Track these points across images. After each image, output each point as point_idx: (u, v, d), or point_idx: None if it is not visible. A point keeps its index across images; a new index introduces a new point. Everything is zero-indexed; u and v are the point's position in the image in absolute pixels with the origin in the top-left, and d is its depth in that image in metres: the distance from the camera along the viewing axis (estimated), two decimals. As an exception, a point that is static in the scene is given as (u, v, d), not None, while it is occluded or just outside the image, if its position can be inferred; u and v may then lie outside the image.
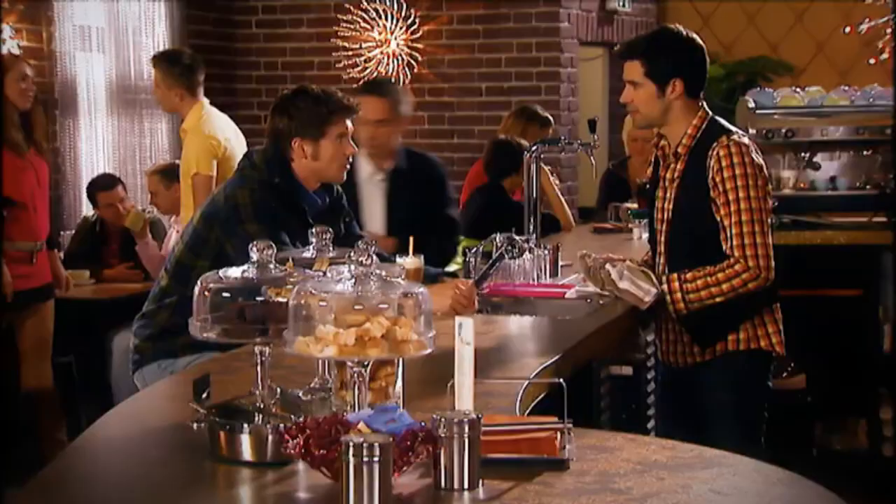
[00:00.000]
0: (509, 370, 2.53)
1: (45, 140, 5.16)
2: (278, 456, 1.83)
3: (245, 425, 1.87)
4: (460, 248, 5.11)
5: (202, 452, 1.89)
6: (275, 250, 2.07)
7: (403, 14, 7.11)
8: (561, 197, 5.32)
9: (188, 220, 4.95)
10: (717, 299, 3.03)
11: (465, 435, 1.70)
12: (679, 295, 3.05)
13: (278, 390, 2.13)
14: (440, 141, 7.22)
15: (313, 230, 2.29)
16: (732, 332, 3.10)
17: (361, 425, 1.72)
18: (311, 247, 2.29)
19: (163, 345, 3.26)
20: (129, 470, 1.84)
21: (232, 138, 5.10)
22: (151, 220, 5.85)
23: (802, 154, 4.89)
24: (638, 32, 7.83)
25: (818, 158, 4.87)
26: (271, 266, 2.05)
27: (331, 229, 2.32)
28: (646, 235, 4.70)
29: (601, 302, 3.24)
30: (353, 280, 1.92)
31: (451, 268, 4.50)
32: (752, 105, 4.90)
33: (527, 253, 3.41)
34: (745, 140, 3.12)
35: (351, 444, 1.62)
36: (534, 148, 3.60)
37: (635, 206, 5.40)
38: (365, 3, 7.19)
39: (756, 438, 3.14)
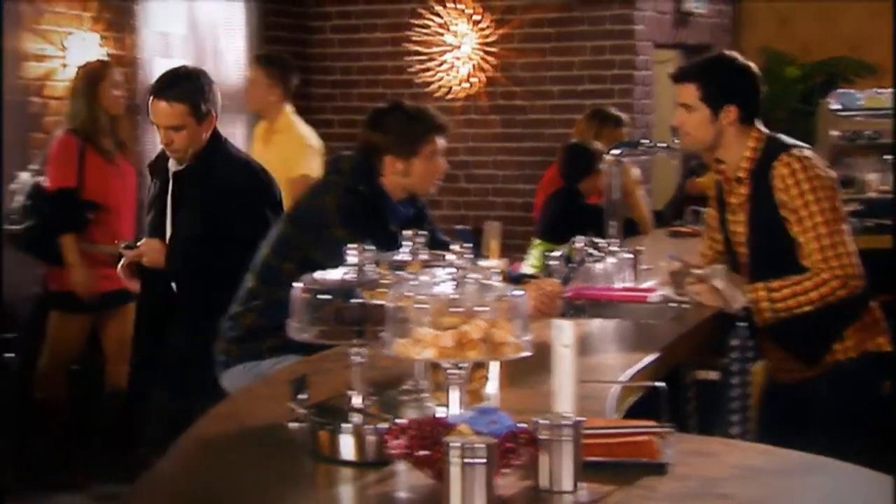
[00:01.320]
0: (596, 373, 2.53)
1: (131, 145, 5.29)
2: (378, 456, 1.85)
3: (346, 425, 1.89)
4: (536, 251, 5.14)
5: (302, 452, 1.92)
6: (371, 253, 2.10)
7: (477, 19, 7.13)
8: (643, 200, 5.30)
9: None
10: (806, 308, 3.00)
11: (567, 437, 1.71)
12: (766, 304, 3.04)
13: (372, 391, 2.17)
14: (511, 144, 7.23)
15: (406, 233, 2.31)
16: (838, 341, 3.08)
17: (463, 426, 1.74)
18: (404, 250, 2.31)
19: (248, 347, 3.31)
20: (231, 468, 1.88)
21: (319, 141, 5.22)
22: None
23: (885, 156, 4.81)
24: (713, 34, 7.77)
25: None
26: (368, 268, 2.08)
27: (425, 233, 2.34)
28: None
29: (685, 306, 3.23)
30: (451, 282, 1.94)
31: (529, 270, 4.51)
32: (835, 107, 4.84)
33: (609, 256, 3.40)
34: (806, 152, 3.10)
35: (455, 445, 1.63)
36: (616, 151, 3.60)
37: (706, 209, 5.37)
38: (438, 9, 7.23)
39: (866, 445, 3.12)
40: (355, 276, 2.07)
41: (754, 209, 3.12)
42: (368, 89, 7.55)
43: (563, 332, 1.77)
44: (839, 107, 4.81)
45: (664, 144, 3.82)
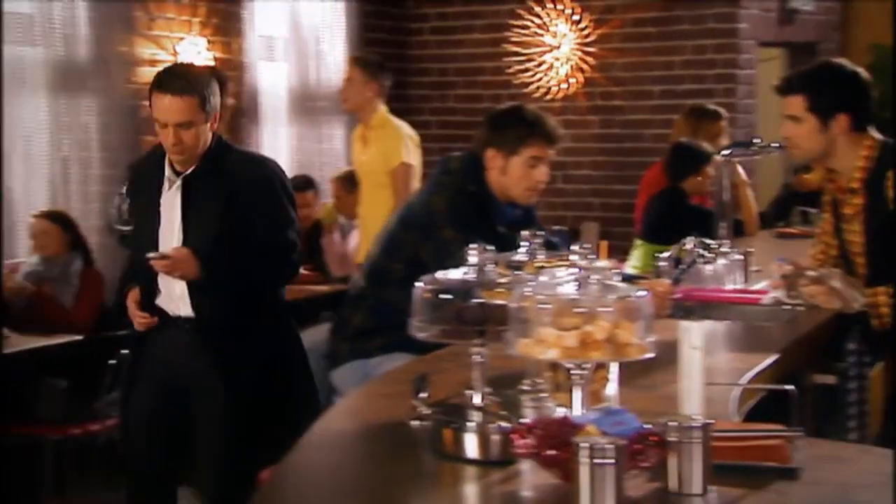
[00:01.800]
0: (713, 375, 2.49)
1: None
2: (503, 455, 1.86)
3: (470, 424, 1.90)
4: (639, 252, 5.10)
5: (425, 450, 1.93)
6: (493, 253, 2.10)
7: (576, 19, 7.09)
8: (752, 201, 5.22)
9: (376, 212, 5.15)
10: None
11: (697, 440, 1.69)
12: (885, 309, 2.96)
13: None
14: (610, 145, 7.17)
15: (524, 233, 2.31)
16: None
17: (591, 427, 1.73)
18: (521, 250, 2.31)
19: (358, 345, 3.34)
20: (357, 465, 1.90)
21: (418, 142, 5.30)
22: (338, 220, 6.06)
23: None
24: (820, 32, 7.61)
25: None
26: (488, 268, 2.08)
27: (542, 232, 2.33)
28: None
29: (799, 308, 3.17)
30: (573, 283, 1.93)
31: (632, 271, 4.47)
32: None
33: (720, 258, 3.35)
34: None
35: (585, 445, 1.63)
36: (728, 151, 3.54)
37: (816, 210, 5.26)
38: (537, 9, 7.21)
39: None
40: (476, 275, 2.07)
41: (870, 219, 3.04)
42: (466, 90, 7.58)
43: (692, 334, 1.76)
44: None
45: (777, 144, 3.75)
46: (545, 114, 3.36)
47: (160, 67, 5.94)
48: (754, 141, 3.50)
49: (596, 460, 1.62)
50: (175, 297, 3.31)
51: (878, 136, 3.07)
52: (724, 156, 3.50)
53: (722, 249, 3.33)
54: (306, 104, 7.01)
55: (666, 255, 3.43)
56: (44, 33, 5.43)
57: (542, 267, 2.28)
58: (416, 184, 5.23)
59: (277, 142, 6.84)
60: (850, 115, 2.99)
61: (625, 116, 7.08)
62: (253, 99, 6.58)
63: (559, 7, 7.14)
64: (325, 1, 7.04)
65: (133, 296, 3.36)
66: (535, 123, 3.27)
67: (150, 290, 3.35)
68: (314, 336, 5.66)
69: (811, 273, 3.15)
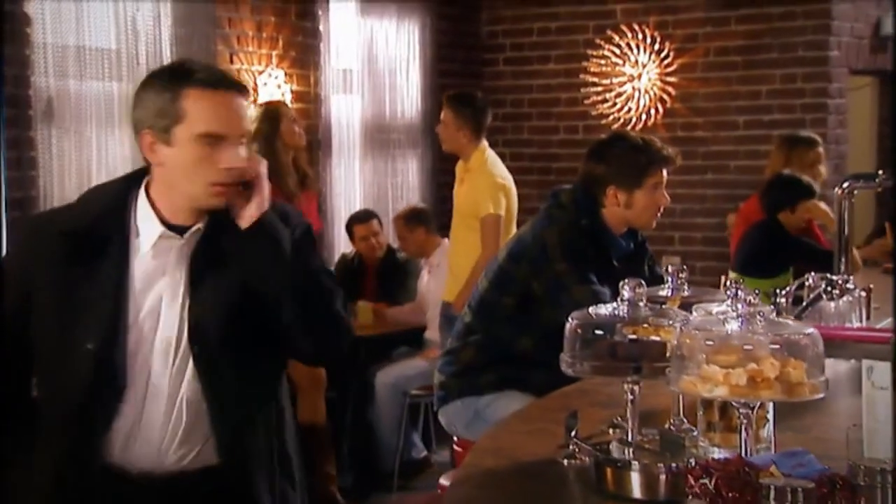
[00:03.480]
0: (855, 418, 2.38)
1: (314, 179, 5.36)
2: (670, 495, 1.78)
3: (636, 462, 1.82)
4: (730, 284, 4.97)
5: (582, 487, 1.85)
6: (644, 288, 2.02)
7: (657, 48, 7.01)
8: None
9: (463, 251, 5.08)
10: None
11: (888, 483, 1.59)
12: None
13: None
14: (693, 177, 7.05)
15: (671, 266, 2.22)
16: None
17: (774, 469, 1.64)
18: (666, 285, 2.23)
19: (467, 381, 3.27)
20: (524, 500, 1.84)
21: (510, 178, 5.19)
22: (404, 259, 6.00)
23: None
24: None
25: None
26: (641, 304, 2.00)
27: (684, 266, 2.25)
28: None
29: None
30: (738, 319, 1.84)
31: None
32: None
33: (844, 294, 3.23)
34: None
35: (774, 488, 1.53)
36: (845, 184, 3.43)
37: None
38: (616, 38, 7.14)
39: None
40: (628, 310, 1.99)
41: None
42: (540, 122, 7.50)
43: (879, 374, 1.65)
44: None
45: (903, 177, 3.61)
46: (650, 136, 3.30)
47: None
48: (878, 173, 3.37)
49: (786, 503, 1.52)
50: (164, 434, 2.04)
51: None
52: (843, 188, 3.39)
53: (846, 286, 3.20)
54: (380, 137, 6.98)
55: (784, 290, 3.30)
56: (129, 68, 5.45)
57: (685, 302, 2.21)
58: (510, 230, 5.12)
59: (351, 175, 6.80)
60: None
61: (707, 148, 6.95)
62: (328, 132, 6.56)
63: (640, 36, 7.05)
64: (400, 33, 7.02)
65: None
66: (650, 151, 3.21)
67: (93, 430, 2.02)
68: (392, 372, 5.63)
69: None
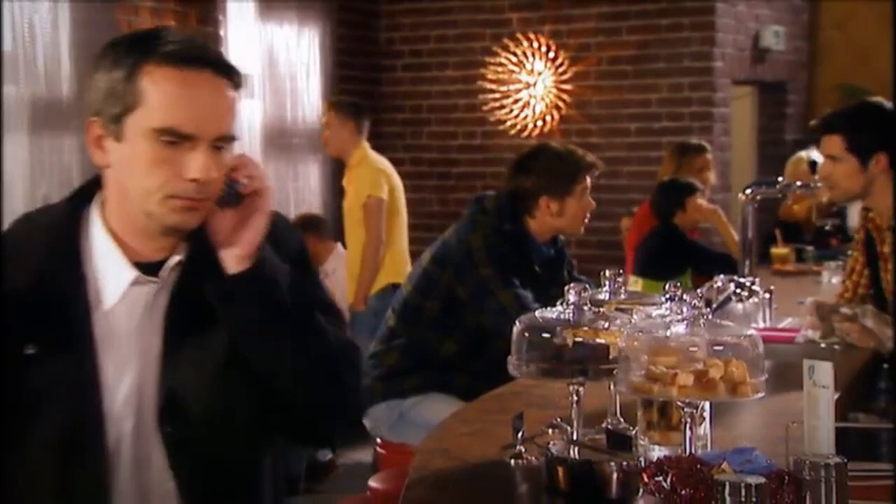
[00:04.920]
0: (783, 416, 2.50)
1: None
2: (621, 492, 1.85)
3: (586, 461, 1.88)
4: (638, 289, 5.12)
5: (534, 487, 1.93)
6: (590, 292, 2.10)
7: (552, 56, 7.16)
8: (737, 237, 5.29)
9: (358, 250, 5.15)
10: None
11: (832, 478, 1.69)
12: None
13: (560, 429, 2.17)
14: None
15: (608, 272, 2.30)
16: None
17: (726, 465, 1.72)
18: (604, 289, 2.30)
19: (391, 385, 3.31)
20: (476, 502, 1.89)
21: (394, 174, 5.37)
22: None
23: None
24: (789, 71, 7.78)
25: None
26: (585, 308, 2.08)
27: (620, 271, 2.33)
28: (835, 279, 4.66)
29: (836, 346, 3.20)
30: (682, 322, 1.93)
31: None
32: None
33: (752, 296, 3.38)
34: None
35: (729, 484, 1.62)
36: (748, 190, 3.59)
37: (811, 248, 5.36)
38: (513, 46, 7.26)
39: None
40: (573, 314, 2.07)
41: None
42: (439, 127, 7.58)
43: (821, 373, 1.76)
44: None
45: (800, 184, 3.81)
46: (569, 145, 3.41)
47: None
48: (778, 179, 3.54)
49: (740, 499, 1.61)
50: None
51: None
52: (747, 194, 3.54)
53: (753, 287, 3.35)
54: (281, 141, 6.96)
55: (699, 291, 3.44)
56: (26, 71, 5.32)
57: (624, 307, 2.29)
58: (396, 219, 5.30)
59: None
60: (890, 154, 3.04)
61: (601, 154, 7.07)
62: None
63: (535, 44, 7.19)
64: (301, 38, 7.01)
65: None
66: (575, 158, 3.31)
67: None
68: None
69: (844, 310, 3.19)
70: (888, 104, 3.16)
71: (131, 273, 1.55)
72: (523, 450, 2.12)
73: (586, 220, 3.35)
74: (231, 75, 1.55)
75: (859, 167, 3.06)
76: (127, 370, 1.56)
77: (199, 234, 1.56)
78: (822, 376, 1.76)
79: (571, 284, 2.08)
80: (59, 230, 1.56)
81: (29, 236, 1.57)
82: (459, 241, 3.27)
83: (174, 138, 1.50)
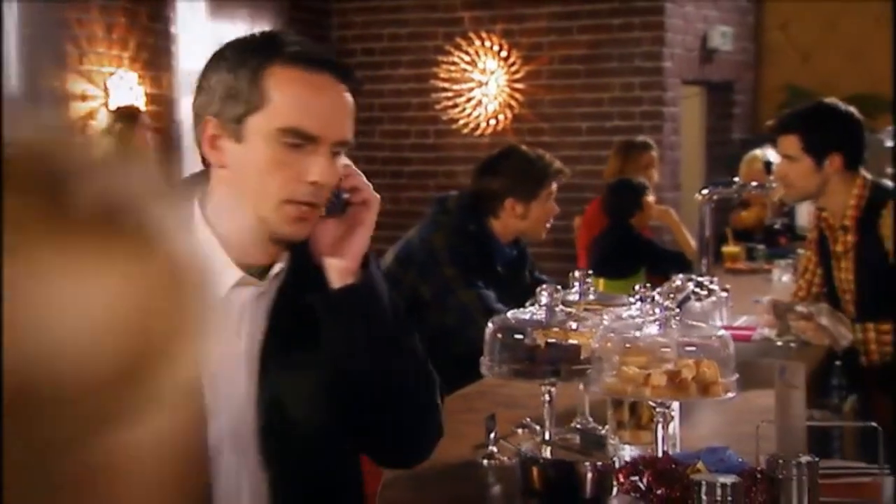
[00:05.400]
0: (745, 413, 2.54)
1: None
2: (595, 491, 1.86)
3: (560, 461, 1.90)
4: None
5: (508, 488, 1.94)
6: (561, 294, 2.12)
7: (504, 55, 7.18)
8: (689, 236, 5.36)
9: None
10: None
11: (804, 476, 1.72)
12: (874, 346, 3.06)
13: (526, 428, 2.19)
14: (538, 180, 7.25)
15: (576, 273, 2.33)
16: None
17: (700, 464, 1.75)
18: (573, 290, 2.33)
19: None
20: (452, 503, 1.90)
21: None
22: None
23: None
24: (736, 72, 7.89)
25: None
26: (558, 309, 2.10)
27: (589, 272, 2.35)
28: (785, 277, 4.75)
29: (791, 345, 3.25)
30: (655, 323, 1.96)
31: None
32: (890, 143, 4.92)
33: (711, 295, 3.42)
34: None
35: (705, 483, 1.64)
36: (705, 190, 3.64)
37: (762, 246, 5.44)
38: (465, 45, 7.28)
39: None
40: (545, 315, 2.08)
41: (862, 257, 3.14)
42: (391, 126, 7.58)
43: (792, 374, 1.79)
44: (892, 144, 4.90)
45: (756, 184, 3.86)
46: (538, 150, 3.42)
47: (91, 103, 5.94)
48: (734, 180, 3.60)
49: (716, 498, 1.64)
50: None
51: (868, 176, 3.18)
52: (704, 194, 3.59)
53: (711, 286, 3.39)
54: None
55: (658, 290, 3.47)
56: (-27, 67, 5.24)
57: (589, 307, 2.32)
58: None
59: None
60: (844, 155, 3.10)
61: (553, 153, 7.08)
62: (181, 134, 6.46)
63: (487, 44, 7.22)
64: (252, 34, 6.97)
65: None
66: (543, 163, 3.33)
67: None
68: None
69: (800, 309, 3.25)
70: (843, 105, 3.22)
71: (236, 274, 1.50)
72: (496, 450, 2.14)
73: (548, 226, 3.37)
74: (351, 80, 1.55)
75: (814, 167, 3.12)
76: (223, 375, 1.48)
77: (302, 244, 1.53)
78: (793, 377, 1.79)
79: (544, 286, 2.10)
80: None
81: None
82: (422, 240, 3.28)
83: (298, 140, 1.49)
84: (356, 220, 1.55)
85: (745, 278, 4.87)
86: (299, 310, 1.51)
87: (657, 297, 1.96)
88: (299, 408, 1.50)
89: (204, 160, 1.54)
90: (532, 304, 2.15)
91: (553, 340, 2.05)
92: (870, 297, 3.15)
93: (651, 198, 5.27)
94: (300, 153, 1.48)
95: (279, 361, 1.50)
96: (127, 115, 5.14)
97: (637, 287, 2.14)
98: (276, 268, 1.53)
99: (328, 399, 1.52)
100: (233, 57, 1.50)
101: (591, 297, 2.31)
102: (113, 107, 5.54)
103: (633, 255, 5.10)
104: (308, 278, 1.53)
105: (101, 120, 5.63)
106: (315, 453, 1.54)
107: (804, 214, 4.18)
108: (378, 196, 1.58)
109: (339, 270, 1.53)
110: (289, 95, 1.48)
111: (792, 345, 3.25)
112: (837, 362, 3.23)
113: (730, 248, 5.22)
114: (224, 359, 1.47)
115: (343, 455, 1.61)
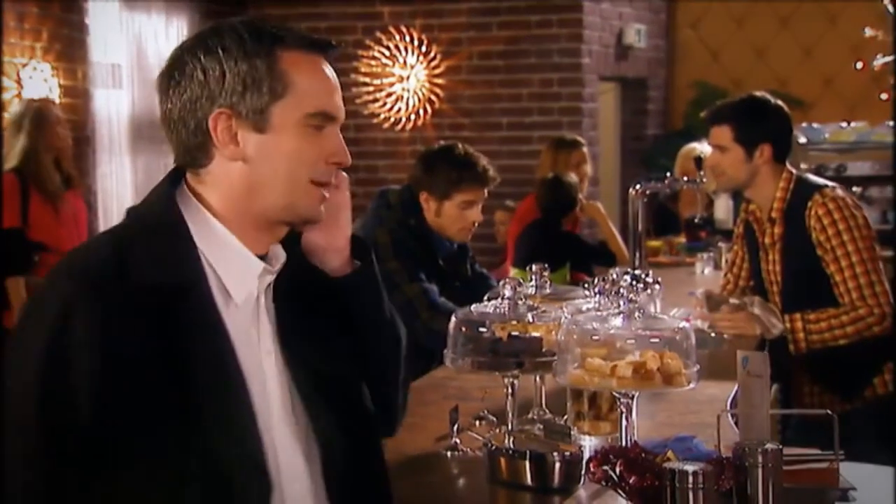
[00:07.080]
0: (698, 403, 2.60)
1: (78, 176, 5.14)
2: (563, 482, 1.89)
3: (529, 451, 1.91)
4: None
5: (474, 478, 1.97)
6: (527, 288, 2.14)
7: (424, 50, 7.20)
8: (616, 230, 5.44)
9: None
10: (841, 342, 3.11)
11: (770, 463, 1.77)
12: (802, 335, 3.15)
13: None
14: (458, 175, 7.28)
15: (533, 267, 2.35)
16: (878, 375, 3.21)
17: (670, 453, 1.79)
18: (530, 284, 2.35)
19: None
20: (414, 497, 1.91)
21: None
22: None
23: (854, 188, 5.06)
24: (650, 68, 8.03)
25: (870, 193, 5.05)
26: (520, 302, 2.12)
27: (547, 265, 2.38)
28: (707, 269, 4.86)
29: (725, 336, 3.33)
30: (619, 315, 2.00)
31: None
32: (802, 141, 5.07)
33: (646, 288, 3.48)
34: (839, 192, 3.20)
35: (677, 471, 1.68)
36: (638, 185, 3.71)
37: (683, 239, 5.55)
38: (385, 40, 7.27)
39: None
40: (507, 308, 2.11)
41: (789, 248, 3.24)
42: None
43: (756, 363, 1.85)
44: (805, 140, 5.05)
45: (686, 178, 3.95)
46: (477, 155, 3.38)
47: (4, 95, 5.75)
48: (667, 175, 3.67)
49: (688, 485, 1.68)
50: None
51: (793, 169, 3.29)
52: (636, 190, 3.66)
53: (646, 279, 3.45)
54: (151, 133, 6.79)
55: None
56: None
57: (547, 299, 2.34)
58: None
59: (122, 172, 6.60)
60: (773, 146, 3.20)
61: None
62: (95, 127, 6.33)
63: (407, 38, 7.22)
64: (169, 29, 6.86)
65: None
66: (465, 167, 3.29)
67: None
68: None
69: (733, 301, 3.33)
70: (773, 100, 3.32)
71: (258, 265, 1.48)
72: (459, 442, 2.16)
73: (471, 231, 3.32)
74: (332, 57, 1.54)
75: (745, 157, 3.21)
76: (256, 364, 1.47)
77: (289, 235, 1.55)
78: (756, 366, 1.84)
79: (507, 279, 2.12)
80: (172, 228, 1.45)
81: (147, 242, 1.43)
82: (366, 235, 3.26)
83: (323, 122, 1.49)
84: (335, 204, 1.55)
85: (668, 271, 4.97)
86: (300, 294, 1.53)
87: (622, 291, 2.00)
88: (326, 389, 1.51)
89: (188, 159, 1.47)
90: (492, 299, 2.17)
91: (516, 333, 2.08)
92: (796, 288, 3.25)
93: (581, 194, 5.33)
94: (321, 136, 1.49)
95: (293, 343, 1.51)
96: (38, 111, 4.96)
97: (596, 279, 2.18)
98: (282, 255, 1.52)
99: (346, 381, 1.55)
100: (236, 46, 1.44)
101: (548, 290, 2.34)
102: (25, 98, 5.37)
103: (558, 250, 5.16)
104: (302, 264, 1.55)
105: (13, 111, 5.48)
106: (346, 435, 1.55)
107: (723, 209, 4.28)
108: (346, 175, 1.59)
109: (337, 252, 1.57)
110: (308, 79, 1.47)
111: (725, 336, 3.33)
112: (765, 350, 3.33)
113: (651, 242, 5.32)
114: (256, 348, 1.47)
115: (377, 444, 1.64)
